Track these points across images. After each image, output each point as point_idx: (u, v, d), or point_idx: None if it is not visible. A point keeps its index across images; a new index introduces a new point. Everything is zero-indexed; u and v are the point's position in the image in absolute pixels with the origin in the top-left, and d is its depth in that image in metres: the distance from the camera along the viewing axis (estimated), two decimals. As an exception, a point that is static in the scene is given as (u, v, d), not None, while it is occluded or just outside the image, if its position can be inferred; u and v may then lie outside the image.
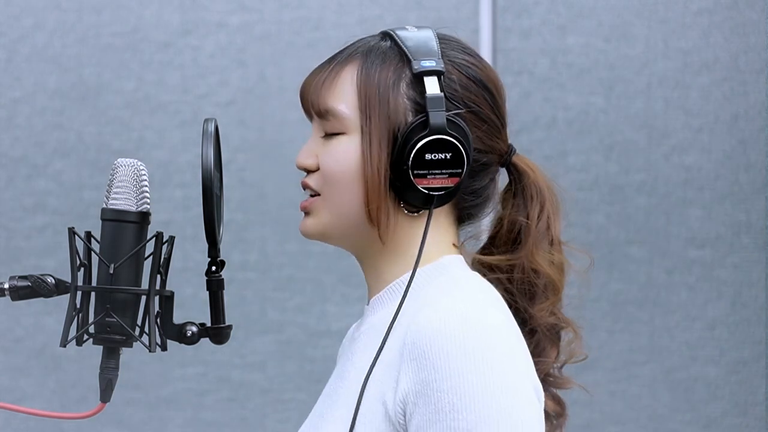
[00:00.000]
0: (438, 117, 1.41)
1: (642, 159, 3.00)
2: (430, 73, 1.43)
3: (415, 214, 1.45)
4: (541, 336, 1.50)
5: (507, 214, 1.52)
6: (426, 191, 1.42)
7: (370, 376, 1.39)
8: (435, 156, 1.41)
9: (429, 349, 1.33)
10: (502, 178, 1.54)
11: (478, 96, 1.46)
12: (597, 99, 3.00)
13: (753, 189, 2.96)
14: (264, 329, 3.01)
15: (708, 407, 3.00)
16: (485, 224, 1.55)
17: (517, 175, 1.52)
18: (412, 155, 1.41)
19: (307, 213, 1.48)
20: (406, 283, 1.43)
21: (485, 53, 2.96)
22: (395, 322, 1.41)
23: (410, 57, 1.44)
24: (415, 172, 1.41)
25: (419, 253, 1.43)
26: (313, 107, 1.47)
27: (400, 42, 1.46)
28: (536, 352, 1.49)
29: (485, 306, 1.38)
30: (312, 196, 1.48)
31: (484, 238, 1.54)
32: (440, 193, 1.42)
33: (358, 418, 1.37)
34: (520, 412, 1.32)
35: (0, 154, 2.99)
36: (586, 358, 1.57)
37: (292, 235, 2.96)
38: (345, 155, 1.44)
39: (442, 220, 1.48)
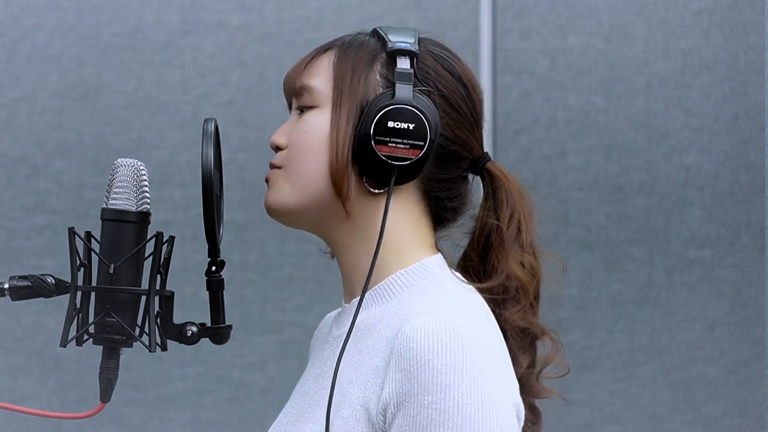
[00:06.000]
0: (404, 89, 1.43)
1: (642, 159, 3.00)
2: (404, 52, 1.46)
3: (378, 191, 1.45)
4: (512, 341, 1.50)
5: (480, 218, 1.53)
6: (386, 159, 1.43)
7: (354, 381, 1.39)
8: (397, 125, 1.43)
9: (415, 362, 1.33)
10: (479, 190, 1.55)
11: (450, 84, 1.48)
12: (597, 99, 3.00)
13: (753, 189, 2.96)
14: (264, 329, 3.01)
15: (708, 407, 2.99)
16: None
17: (489, 179, 1.54)
18: (374, 121, 1.42)
19: (268, 185, 1.50)
20: (392, 285, 1.44)
21: (485, 53, 2.96)
22: (381, 324, 1.42)
23: (387, 39, 1.47)
24: (377, 138, 1.42)
25: (381, 229, 1.44)
26: (292, 88, 1.50)
27: (381, 31, 1.49)
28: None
29: (474, 318, 1.38)
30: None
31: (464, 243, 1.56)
32: (401, 163, 1.43)
33: (340, 422, 1.38)
34: (496, 426, 1.33)
35: (0, 154, 2.99)
36: (569, 372, 1.58)
37: (292, 235, 2.96)
38: (314, 126, 1.46)
39: (412, 207, 1.48)
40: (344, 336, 1.45)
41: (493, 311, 1.49)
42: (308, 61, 1.50)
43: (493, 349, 1.37)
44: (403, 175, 1.44)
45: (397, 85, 1.44)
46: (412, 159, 1.43)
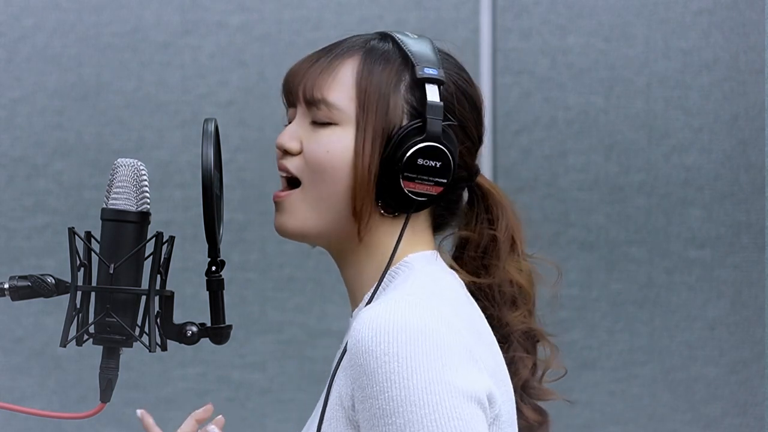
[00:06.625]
0: (436, 125, 1.43)
1: (642, 159, 3.00)
2: (433, 81, 1.44)
3: (390, 215, 1.46)
4: (516, 345, 1.51)
5: (475, 229, 1.54)
6: (410, 195, 1.43)
7: (336, 384, 1.39)
8: (427, 162, 1.43)
9: (361, 353, 1.33)
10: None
11: (468, 112, 1.48)
12: (597, 99, 3.00)
13: (753, 189, 2.96)
14: (264, 329, 3.01)
15: (708, 407, 2.99)
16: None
17: (481, 194, 1.55)
18: (405, 157, 1.42)
19: (280, 207, 1.48)
20: (388, 291, 1.44)
21: (485, 53, 2.96)
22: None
23: (414, 62, 1.45)
24: (405, 174, 1.42)
25: (391, 257, 1.44)
26: (305, 94, 1.47)
27: (402, 45, 1.47)
28: (511, 362, 1.50)
29: (429, 308, 1.36)
30: (288, 182, 1.48)
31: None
32: (422, 199, 1.43)
33: (325, 426, 1.38)
34: (447, 412, 1.31)
35: (0, 154, 2.99)
36: (566, 373, 1.58)
37: (292, 235, 2.96)
38: (337, 146, 1.44)
39: (414, 223, 1.48)
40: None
41: (494, 315, 1.49)
42: (326, 67, 1.47)
43: (445, 339, 1.34)
44: (419, 206, 1.45)
45: (429, 120, 1.43)
46: (432, 195, 1.44)
